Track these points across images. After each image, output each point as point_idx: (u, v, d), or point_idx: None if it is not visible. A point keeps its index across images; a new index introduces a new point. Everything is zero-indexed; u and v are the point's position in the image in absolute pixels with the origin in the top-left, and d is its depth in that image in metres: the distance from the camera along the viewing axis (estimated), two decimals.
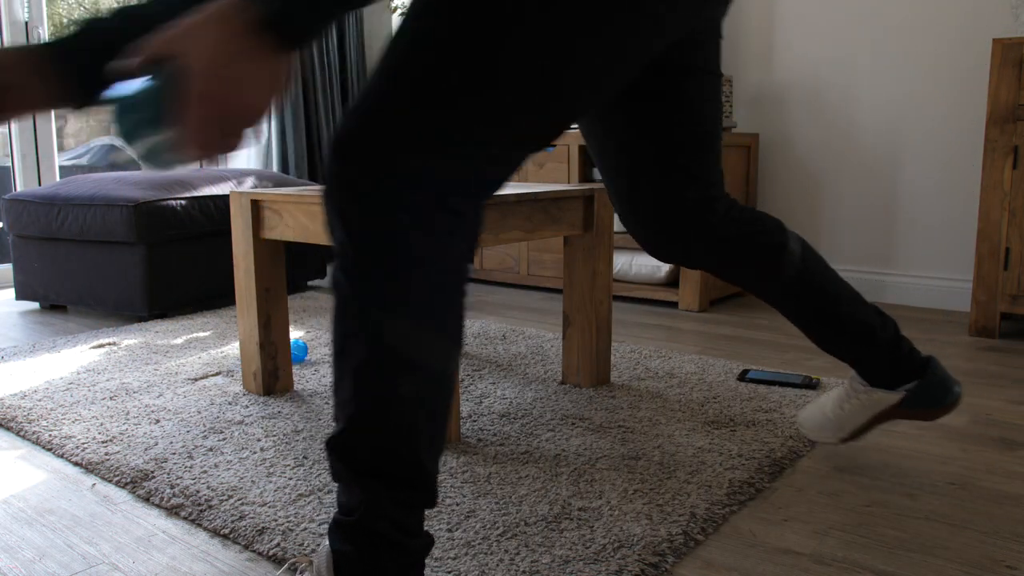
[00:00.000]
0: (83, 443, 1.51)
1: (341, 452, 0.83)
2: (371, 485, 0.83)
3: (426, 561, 1.07)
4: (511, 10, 0.79)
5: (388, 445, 0.82)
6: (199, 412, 1.69)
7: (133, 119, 0.74)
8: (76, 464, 1.45)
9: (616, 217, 2.60)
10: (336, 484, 1.04)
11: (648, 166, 1.21)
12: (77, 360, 2.10)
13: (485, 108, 0.80)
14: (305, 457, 1.44)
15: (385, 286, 0.79)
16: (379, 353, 0.80)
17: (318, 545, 1.12)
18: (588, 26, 0.83)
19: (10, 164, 3.26)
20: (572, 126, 1.97)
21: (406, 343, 0.80)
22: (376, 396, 0.81)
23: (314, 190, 1.69)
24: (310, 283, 3.37)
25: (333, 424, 1.04)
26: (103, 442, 1.52)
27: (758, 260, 1.29)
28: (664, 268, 2.85)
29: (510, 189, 1.68)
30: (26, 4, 3.17)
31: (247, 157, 3.82)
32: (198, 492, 1.30)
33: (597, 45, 0.85)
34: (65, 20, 3.60)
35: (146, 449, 1.49)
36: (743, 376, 1.91)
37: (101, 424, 1.62)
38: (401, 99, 0.78)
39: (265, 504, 1.26)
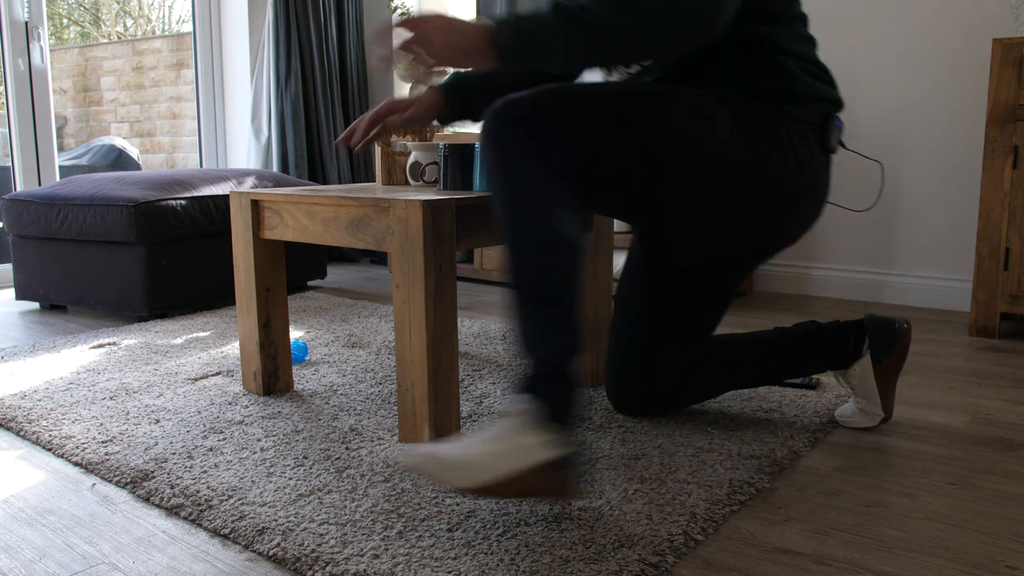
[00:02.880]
0: (83, 443, 1.51)
1: (528, 319, 1.17)
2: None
3: (428, 557, 1.07)
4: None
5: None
6: (199, 412, 1.69)
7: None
8: (76, 464, 1.45)
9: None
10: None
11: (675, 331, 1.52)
12: (77, 360, 2.10)
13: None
14: (305, 457, 1.44)
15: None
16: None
17: (318, 545, 1.12)
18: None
19: (10, 164, 3.26)
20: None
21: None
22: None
23: (314, 190, 1.69)
24: (310, 283, 3.37)
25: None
26: (103, 442, 1.52)
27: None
28: None
29: None
30: (26, 4, 3.17)
31: (247, 157, 3.82)
32: (198, 492, 1.30)
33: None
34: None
35: (146, 449, 1.48)
36: None
37: (101, 424, 1.62)
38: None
39: (265, 504, 1.26)
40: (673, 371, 1.54)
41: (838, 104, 1.37)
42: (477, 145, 1.55)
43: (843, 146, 1.47)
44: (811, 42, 1.38)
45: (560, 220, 1.15)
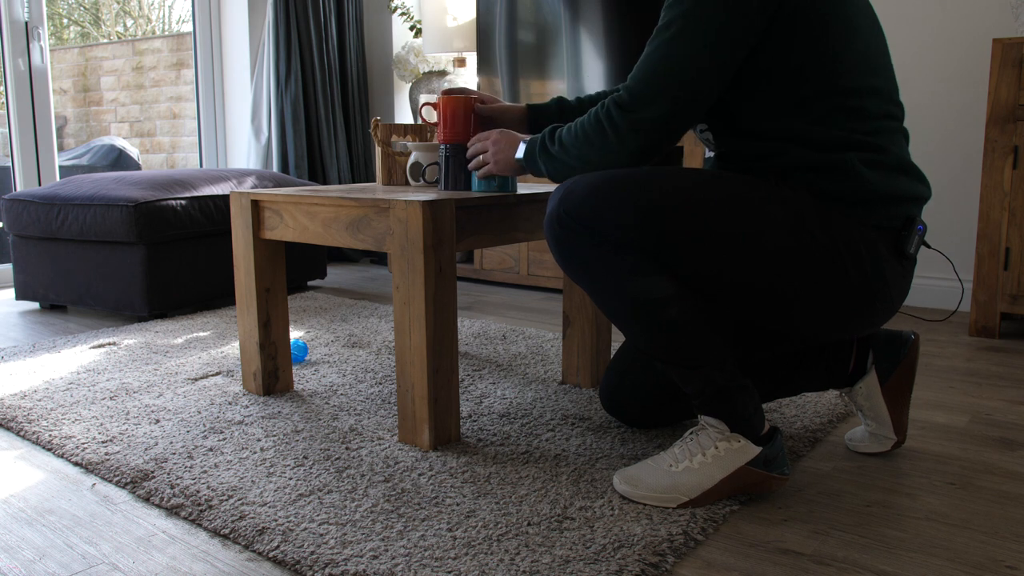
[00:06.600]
0: (83, 443, 1.51)
1: (670, 365, 1.26)
2: (703, 371, 1.24)
3: (428, 557, 1.07)
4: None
5: (686, 344, 1.23)
6: (199, 412, 1.69)
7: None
8: (76, 464, 1.45)
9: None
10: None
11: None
12: (77, 360, 2.10)
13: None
14: (305, 457, 1.44)
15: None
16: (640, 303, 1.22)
17: (318, 545, 1.12)
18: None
19: (10, 164, 3.26)
20: None
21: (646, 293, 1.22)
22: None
23: (314, 190, 1.69)
24: (310, 283, 3.37)
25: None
26: (103, 442, 1.52)
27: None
28: None
29: None
30: (26, 4, 3.17)
31: (247, 157, 3.82)
32: (198, 492, 1.30)
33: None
34: (62, 18, 3.60)
35: (146, 449, 1.49)
36: None
37: (101, 424, 1.62)
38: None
39: (265, 504, 1.26)
40: (663, 387, 1.49)
41: (923, 200, 1.29)
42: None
43: (926, 245, 1.38)
44: (894, 135, 1.28)
45: (643, 286, 1.21)
